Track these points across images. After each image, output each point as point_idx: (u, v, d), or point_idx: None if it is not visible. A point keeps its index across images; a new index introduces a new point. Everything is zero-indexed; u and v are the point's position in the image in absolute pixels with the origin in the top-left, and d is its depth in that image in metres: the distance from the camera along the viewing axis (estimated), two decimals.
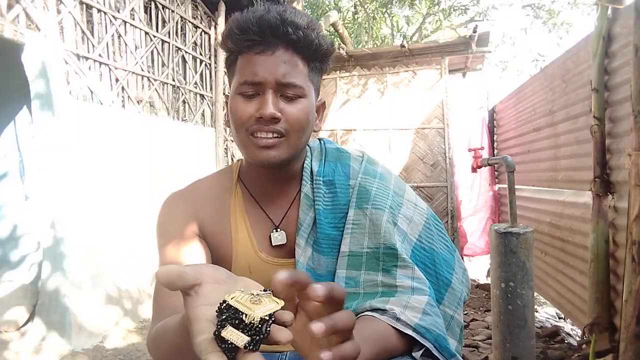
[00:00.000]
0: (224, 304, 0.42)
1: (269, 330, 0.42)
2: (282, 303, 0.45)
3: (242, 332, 0.41)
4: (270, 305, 0.43)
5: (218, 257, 0.85)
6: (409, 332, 0.68)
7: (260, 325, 0.41)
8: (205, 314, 0.44)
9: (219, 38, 0.80)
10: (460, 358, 0.74)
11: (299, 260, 0.81)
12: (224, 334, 0.40)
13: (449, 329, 0.81)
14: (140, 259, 3.13)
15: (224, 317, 0.41)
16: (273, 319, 0.43)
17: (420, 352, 0.69)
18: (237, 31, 0.74)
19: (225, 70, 0.84)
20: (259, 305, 0.43)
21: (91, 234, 2.80)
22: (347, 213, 0.82)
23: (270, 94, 0.73)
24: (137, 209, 3.18)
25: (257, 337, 0.41)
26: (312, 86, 0.79)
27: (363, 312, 0.72)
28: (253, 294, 0.44)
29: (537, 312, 3.24)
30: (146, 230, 3.10)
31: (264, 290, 0.46)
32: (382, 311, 0.70)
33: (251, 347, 0.40)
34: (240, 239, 0.83)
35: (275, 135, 0.74)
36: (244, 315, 0.41)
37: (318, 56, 0.78)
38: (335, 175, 0.86)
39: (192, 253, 0.80)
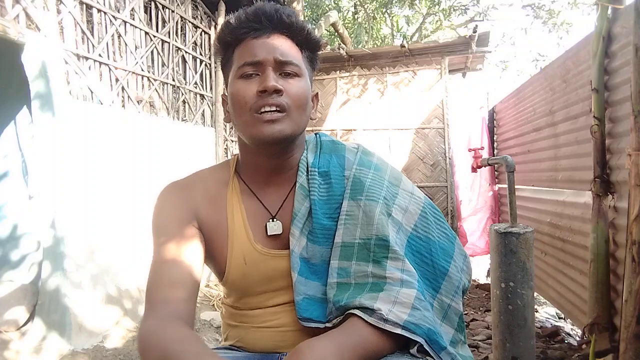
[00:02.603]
0: None
1: None
2: None
3: None
4: None
5: (214, 248, 0.86)
6: (398, 330, 0.69)
7: None
8: None
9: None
10: (451, 350, 0.73)
11: (293, 250, 0.82)
12: None
13: (445, 317, 0.81)
14: (140, 259, 3.13)
15: None
16: None
17: (415, 347, 0.71)
18: (234, 23, 0.79)
19: (222, 70, 0.86)
20: None
21: (91, 234, 2.80)
22: (342, 204, 0.83)
23: (270, 71, 0.76)
24: (137, 209, 3.18)
25: None
26: (307, 71, 0.83)
27: (352, 309, 0.72)
28: None
29: (537, 312, 3.24)
30: (146, 230, 3.09)
31: None
32: (371, 311, 0.71)
33: None
34: (236, 230, 0.84)
35: (278, 109, 0.76)
36: None
37: (310, 44, 0.83)
38: (331, 166, 0.86)
39: (186, 247, 0.81)
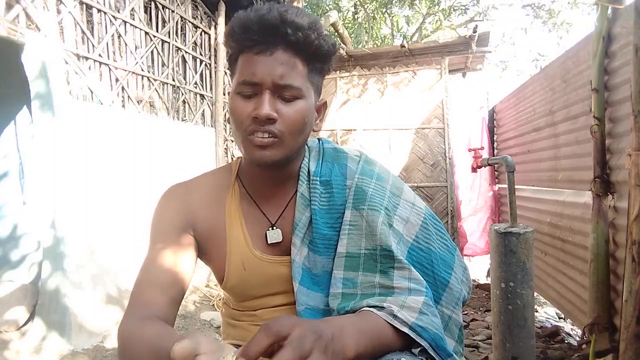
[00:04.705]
0: None
1: None
2: None
3: None
4: None
5: (212, 253, 0.86)
6: (405, 329, 0.69)
7: None
8: None
9: (220, 37, 0.81)
10: (457, 358, 0.74)
11: (294, 260, 0.81)
12: None
13: (446, 329, 0.81)
14: (141, 259, 3.13)
15: None
16: None
17: (418, 349, 0.70)
18: (238, 30, 0.74)
19: (227, 68, 0.85)
20: None
21: (91, 234, 2.80)
22: (344, 213, 0.82)
23: (267, 95, 0.73)
24: (137, 209, 3.18)
25: None
26: (311, 87, 0.78)
27: (360, 309, 0.73)
28: None
29: (537, 312, 3.24)
30: (146, 230, 3.09)
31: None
32: (380, 308, 0.71)
33: None
34: (234, 235, 0.84)
35: (270, 135, 0.74)
36: None
37: (318, 57, 0.77)
38: (332, 175, 0.86)
39: (178, 253, 0.82)
